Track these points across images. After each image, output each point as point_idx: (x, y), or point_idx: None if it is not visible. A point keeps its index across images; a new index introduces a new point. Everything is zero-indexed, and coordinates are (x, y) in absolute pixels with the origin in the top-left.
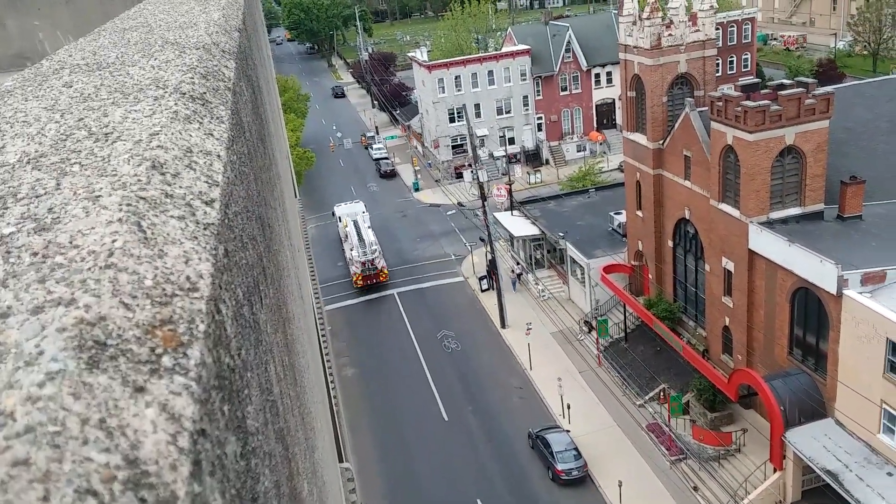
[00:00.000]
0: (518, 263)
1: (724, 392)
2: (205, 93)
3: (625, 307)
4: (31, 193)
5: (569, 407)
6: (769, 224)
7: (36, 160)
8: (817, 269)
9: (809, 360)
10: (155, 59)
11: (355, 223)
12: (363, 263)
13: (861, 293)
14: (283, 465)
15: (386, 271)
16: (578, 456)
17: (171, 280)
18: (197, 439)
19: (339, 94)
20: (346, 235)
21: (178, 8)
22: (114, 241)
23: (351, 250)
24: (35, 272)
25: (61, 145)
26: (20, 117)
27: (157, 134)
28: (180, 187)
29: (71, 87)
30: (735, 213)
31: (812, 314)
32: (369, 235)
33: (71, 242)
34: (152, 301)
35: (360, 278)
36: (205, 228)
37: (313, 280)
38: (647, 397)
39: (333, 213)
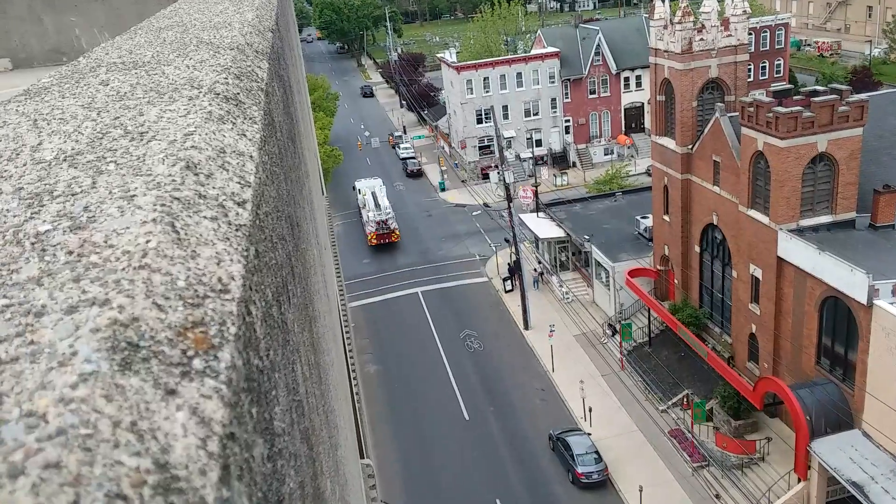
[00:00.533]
0: (540, 262)
1: (749, 400)
2: (238, 93)
3: (649, 312)
4: (68, 191)
5: (590, 410)
6: (799, 231)
7: (73, 158)
8: (847, 278)
9: (837, 370)
10: (190, 59)
11: (373, 192)
12: (378, 223)
13: (892, 303)
14: (307, 465)
15: (398, 233)
16: (599, 459)
17: (203, 281)
18: (226, 443)
19: (368, 93)
20: (365, 203)
21: (213, 8)
22: (148, 241)
23: (368, 213)
24: (70, 271)
25: (97, 143)
26: (57, 114)
27: (192, 134)
28: (213, 188)
29: (107, 85)
30: (764, 219)
31: (841, 324)
32: (385, 201)
33: (106, 242)
34: (185, 302)
35: (374, 237)
36: (237, 229)
37: (338, 277)
38: (669, 403)
39: (354, 188)
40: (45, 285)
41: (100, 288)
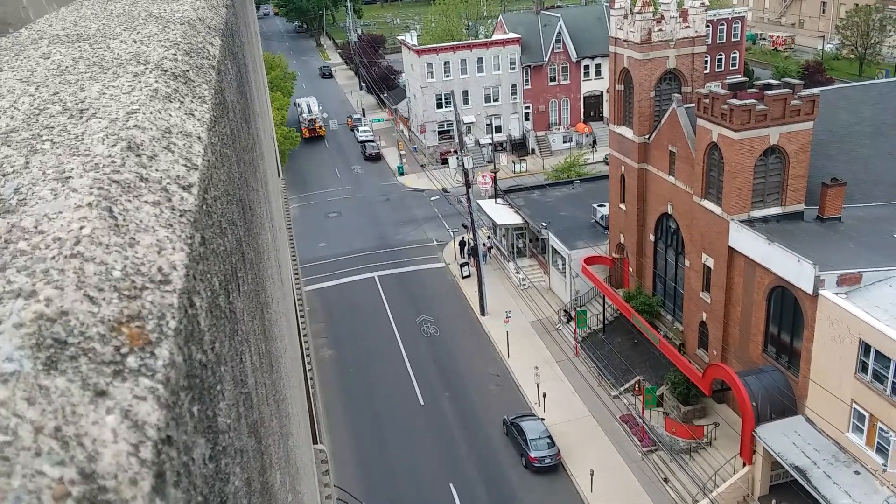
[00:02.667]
0: (489, 237)
1: (697, 386)
2: (188, 70)
3: (604, 299)
4: None
5: (544, 396)
6: (750, 222)
7: (6, 135)
8: (795, 269)
9: (783, 358)
10: (137, 33)
11: (307, 103)
12: (309, 121)
13: (837, 294)
14: (255, 459)
15: (323, 129)
16: (552, 444)
17: (141, 271)
18: (161, 448)
19: (327, 74)
20: (302, 111)
21: None
22: (82, 227)
23: (303, 115)
24: None
25: (34, 120)
26: None
27: (135, 112)
28: (157, 170)
29: (48, 58)
30: (717, 210)
31: (788, 313)
32: (315, 108)
33: (36, 227)
34: (120, 294)
35: (307, 132)
36: (181, 215)
37: (294, 261)
38: (622, 389)
39: (296, 104)
40: None
41: (26, 278)
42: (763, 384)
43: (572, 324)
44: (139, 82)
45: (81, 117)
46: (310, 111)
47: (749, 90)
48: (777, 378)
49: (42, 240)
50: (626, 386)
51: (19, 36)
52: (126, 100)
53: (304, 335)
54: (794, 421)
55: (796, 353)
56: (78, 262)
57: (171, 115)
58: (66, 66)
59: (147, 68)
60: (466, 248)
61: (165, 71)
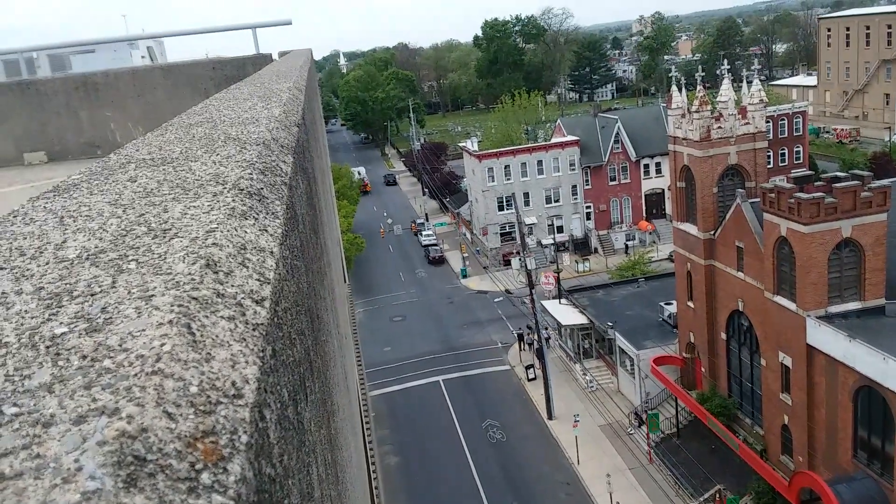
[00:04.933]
0: (546, 328)
1: (784, 496)
2: (262, 188)
3: (676, 401)
4: (87, 291)
5: None
6: (828, 318)
7: (95, 256)
8: (881, 367)
9: (875, 464)
10: (217, 155)
11: (359, 170)
12: (361, 180)
13: None
14: None
15: (369, 186)
16: None
17: (216, 386)
18: None
19: (391, 181)
20: (357, 175)
21: (243, 104)
22: (163, 344)
23: (357, 177)
24: (82, 377)
25: (120, 241)
26: (84, 211)
27: (214, 231)
28: (232, 286)
29: (135, 181)
30: (791, 306)
31: (877, 414)
32: (363, 173)
33: (121, 345)
34: (196, 410)
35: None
36: (254, 329)
37: (359, 366)
38: (702, 499)
39: (354, 171)
40: (55, 392)
41: (110, 395)
42: (856, 493)
43: (644, 428)
44: (217, 201)
45: (164, 237)
46: (360, 175)
47: (816, 183)
48: (870, 486)
49: (126, 357)
50: (706, 496)
51: (108, 160)
52: (205, 219)
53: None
54: None
55: (889, 459)
56: (158, 378)
57: (246, 231)
58: (152, 189)
59: (225, 188)
60: (526, 340)
61: (242, 190)
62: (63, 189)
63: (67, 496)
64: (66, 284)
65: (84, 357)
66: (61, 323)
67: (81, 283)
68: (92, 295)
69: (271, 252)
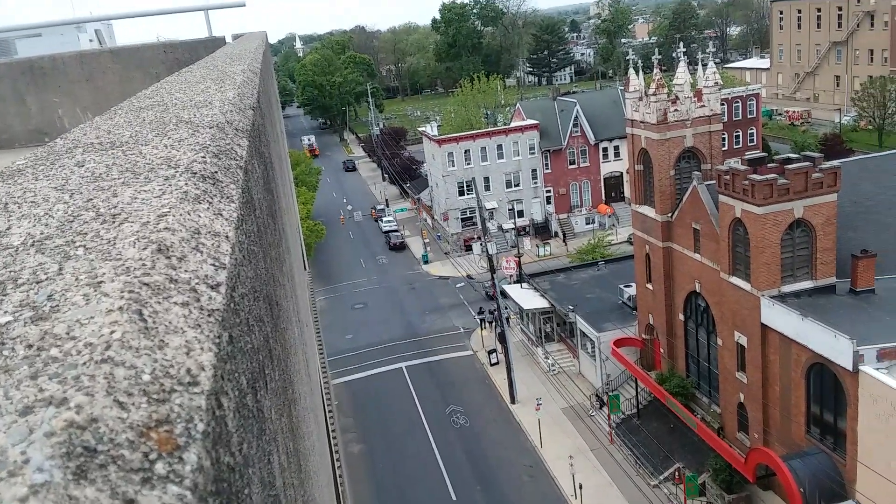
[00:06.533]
0: (506, 308)
1: (741, 472)
2: (216, 172)
3: (636, 382)
4: (33, 279)
5: (581, 487)
6: (781, 298)
7: (41, 243)
8: (832, 345)
9: (828, 439)
10: (168, 138)
11: (309, 139)
12: (310, 146)
13: (878, 369)
14: None
15: (318, 151)
16: None
17: (170, 374)
18: None
19: (350, 167)
20: (307, 144)
21: (195, 87)
22: (112, 331)
23: (305, 145)
24: (28, 367)
25: (67, 227)
26: (29, 197)
27: (166, 215)
28: (185, 271)
29: (83, 166)
30: (746, 286)
31: (828, 391)
32: (313, 141)
33: (68, 333)
34: (149, 399)
35: (308, 152)
36: (209, 315)
37: (321, 354)
38: (661, 477)
39: (301, 139)
40: (0, 383)
41: (58, 385)
42: (809, 468)
43: (605, 409)
44: (170, 185)
45: (114, 222)
46: (308, 142)
47: (769, 165)
48: (823, 461)
49: (73, 346)
50: (666, 474)
51: (54, 146)
52: (157, 203)
53: (333, 430)
54: None
55: (841, 434)
56: (108, 367)
57: (199, 215)
58: (100, 173)
59: (177, 171)
60: (486, 318)
61: (195, 173)
62: (7, 175)
63: (14, 489)
64: (9, 272)
65: (30, 346)
66: (5, 312)
67: (26, 270)
68: (37, 282)
69: (226, 236)
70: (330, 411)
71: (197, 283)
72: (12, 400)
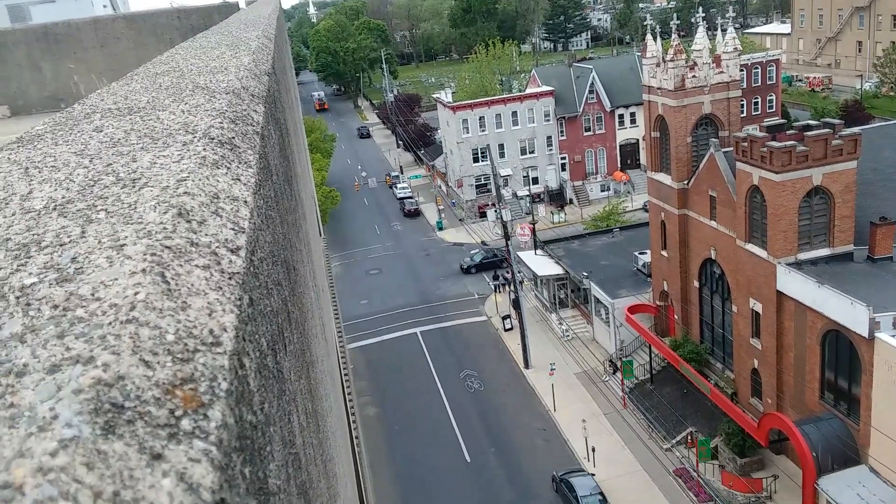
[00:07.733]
0: (520, 272)
1: (753, 437)
2: (233, 137)
3: (650, 348)
4: (56, 241)
5: (593, 450)
6: (797, 265)
7: (63, 206)
8: (848, 312)
9: (842, 405)
10: (185, 104)
11: (319, 93)
12: (319, 100)
13: (893, 336)
14: None
15: (326, 105)
16: (604, 500)
17: (193, 334)
18: None
19: (365, 134)
20: (316, 97)
21: (210, 53)
22: (136, 293)
23: (314, 98)
24: (54, 327)
25: (88, 191)
26: (49, 162)
27: (185, 180)
28: (206, 235)
29: (101, 131)
30: (762, 253)
31: (843, 357)
32: (322, 93)
33: (93, 295)
34: (173, 358)
35: (318, 105)
36: (230, 277)
37: (336, 319)
38: (674, 441)
39: (311, 95)
40: (28, 342)
41: (84, 344)
42: (822, 433)
43: (619, 374)
44: (188, 151)
45: (134, 187)
46: (318, 96)
47: (788, 132)
48: (837, 426)
49: (99, 306)
50: (679, 438)
51: (73, 111)
52: (176, 168)
53: (349, 393)
54: (857, 471)
55: (855, 400)
56: (133, 327)
57: (218, 180)
58: (119, 139)
59: (195, 137)
60: (500, 283)
61: (212, 139)
62: (27, 140)
63: (44, 444)
64: (33, 235)
65: (55, 307)
66: (30, 273)
67: (49, 233)
68: (61, 245)
69: (245, 201)
70: (346, 374)
71: (217, 247)
72: (39, 358)
